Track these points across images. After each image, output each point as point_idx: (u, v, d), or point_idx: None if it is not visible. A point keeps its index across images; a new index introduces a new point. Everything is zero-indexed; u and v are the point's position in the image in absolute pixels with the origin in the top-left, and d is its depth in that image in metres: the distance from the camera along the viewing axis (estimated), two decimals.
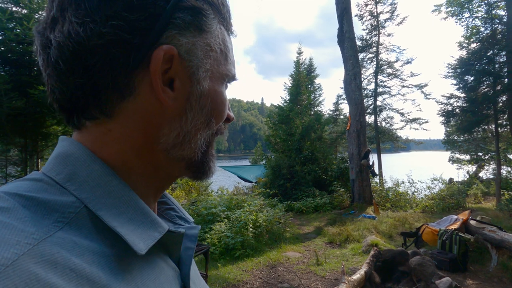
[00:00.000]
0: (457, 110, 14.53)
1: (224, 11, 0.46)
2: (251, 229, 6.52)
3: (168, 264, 0.44)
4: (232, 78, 0.49)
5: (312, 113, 16.94)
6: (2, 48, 5.88)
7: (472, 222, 6.13)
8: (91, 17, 0.36)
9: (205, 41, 0.43)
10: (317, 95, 19.30)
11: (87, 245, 0.33)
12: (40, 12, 6.37)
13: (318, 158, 14.25)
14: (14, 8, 6.22)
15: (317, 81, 20.04)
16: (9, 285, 0.25)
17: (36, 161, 6.74)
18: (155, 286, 0.38)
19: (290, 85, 17.22)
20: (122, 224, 0.37)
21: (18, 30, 5.81)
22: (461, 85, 14.19)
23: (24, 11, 6.22)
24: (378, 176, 13.31)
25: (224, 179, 21.16)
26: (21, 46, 5.95)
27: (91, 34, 0.36)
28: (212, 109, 0.45)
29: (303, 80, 16.71)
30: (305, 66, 19.09)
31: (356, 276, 3.85)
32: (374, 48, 19.19)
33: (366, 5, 19.16)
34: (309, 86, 18.65)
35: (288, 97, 17.00)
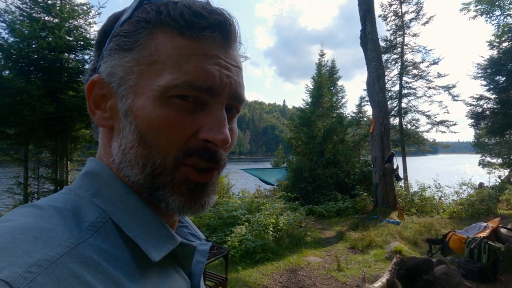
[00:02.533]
0: (488, 112, 13.95)
1: (167, 19, 0.43)
2: (271, 233, 6.52)
3: (181, 275, 0.48)
4: (177, 88, 0.42)
5: (334, 115, 16.71)
6: (35, 56, 6.18)
7: (503, 230, 5.85)
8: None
9: (127, 58, 0.44)
10: (340, 97, 19.02)
11: (112, 252, 0.38)
12: (70, 21, 6.68)
13: (340, 161, 14.03)
14: (46, 18, 6.55)
15: (339, 83, 19.77)
16: (53, 278, 0.31)
17: (65, 163, 7.03)
18: None
19: (311, 87, 17.08)
20: (139, 235, 0.42)
21: (50, 39, 6.09)
22: (492, 86, 13.61)
23: (56, 20, 6.53)
24: (402, 180, 12.93)
25: (245, 182, 21.24)
26: (52, 53, 6.24)
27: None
28: (140, 125, 0.43)
29: (325, 82, 16.52)
30: (327, 68, 18.88)
31: (377, 284, 3.77)
32: (399, 49, 18.72)
33: (391, 5, 18.74)
34: (332, 88, 18.41)
35: (309, 100, 16.85)
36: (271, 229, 6.60)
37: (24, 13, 6.40)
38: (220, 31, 0.45)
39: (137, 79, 0.43)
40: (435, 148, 23.28)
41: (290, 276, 5.18)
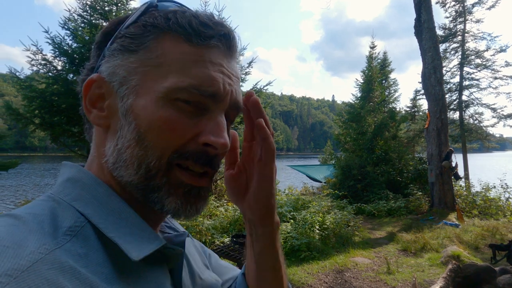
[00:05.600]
0: None
1: (176, 26, 0.45)
2: (317, 231, 6.40)
3: (165, 274, 0.47)
4: (184, 91, 0.43)
5: (386, 110, 15.92)
6: None
7: None
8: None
9: (130, 59, 0.45)
10: (392, 91, 18.01)
11: (91, 256, 0.38)
12: None
13: (392, 159, 13.36)
14: (104, 23, 7.04)
15: (392, 75, 18.69)
16: (24, 287, 0.30)
17: None
18: None
19: (361, 81, 16.42)
20: (120, 236, 0.41)
21: None
22: None
23: None
24: (462, 179, 11.95)
25: (292, 179, 21.14)
26: None
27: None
28: (140, 125, 0.43)
29: (375, 75, 15.79)
30: (379, 60, 17.97)
31: None
32: (459, 37, 17.24)
33: None
34: (383, 81, 17.52)
35: (359, 94, 16.23)
36: (317, 227, 6.48)
37: (85, 20, 6.93)
38: (224, 42, 0.48)
39: (141, 80, 0.44)
40: (502, 144, 21.23)
41: (336, 277, 5.05)
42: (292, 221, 6.87)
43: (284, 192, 11.32)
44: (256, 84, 10.99)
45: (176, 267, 0.51)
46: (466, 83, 17.23)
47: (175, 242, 0.53)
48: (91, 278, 0.35)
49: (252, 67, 10.89)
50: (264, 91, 11.23)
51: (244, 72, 10.90)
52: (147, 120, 0.43)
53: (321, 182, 16.07)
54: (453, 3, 17.33)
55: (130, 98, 0.44)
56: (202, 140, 0.45)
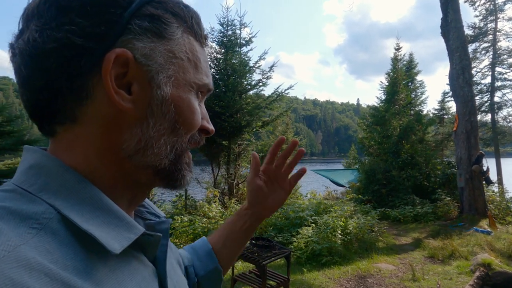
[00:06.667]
0: None
1: (191, 23, 0.47)
2: (339, 236, 6.29)
3: (144, 263, 0.45)
4: (204, 87, 0.50)
5: (412, 113, 15.46)
6: None
7: None
8: (49, 24, 0.39)
9: (166, 47, 0.43)
10: (419, 93, 17.47)
11: (61, 251, 0.34)
12: None
13: (419, 163, 12.92)
14: None
15: (418, 78, 18.12)
16: None
17: None
18: (131, 286, 0.40)
19: (386, 84, 16.05)
20: (96, 227, 0.38)
21: None
22: None
23: None
24: (496, 184, 11.39)
25: (315, 183, 20.89)
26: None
27: (47, 39, 0.38)
28: (177, 115, 0.45)
29: (401, 77, 15.38)
30: (404, 62, 17.50)
31: None
32: (490, 36, 16.56)
33: None
34: (409, 84, 17.04)
35: (384, 97, 15.87)
36: (339, 232, 6.36)
37: None
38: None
39: (175, 71, 0.45)
40: None
41: (358, 283, 4.94)
42: (313, 225, 6.79)
43: (306, 196, 11.21)
44: (277, 88, 11.04)
45: (160, 256, 0.49)
46: (498, 83, 16.50)
47: (157, 229, 0.51)
48: (62, 273, 0.32)
49: (273, 71, 10.97)
50: (286, 94, 11.24)
51: (265, 77, 10.97)
52: (185, 111, 0.46)
53: (344, 186, 15.80)
54: (483, 1, 16.68)
55: (167, 88, 0.44)
56: (202, 126, 0.51)
